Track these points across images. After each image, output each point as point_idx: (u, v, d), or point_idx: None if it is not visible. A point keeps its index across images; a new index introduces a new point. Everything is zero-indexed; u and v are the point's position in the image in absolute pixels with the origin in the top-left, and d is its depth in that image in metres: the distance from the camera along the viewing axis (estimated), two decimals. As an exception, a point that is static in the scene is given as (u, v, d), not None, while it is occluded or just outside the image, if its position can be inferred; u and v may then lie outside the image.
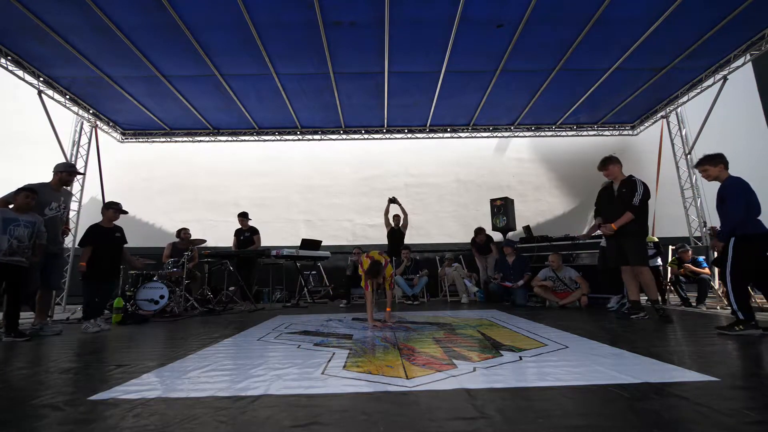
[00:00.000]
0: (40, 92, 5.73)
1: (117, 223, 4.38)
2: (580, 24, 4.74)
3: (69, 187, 4.21)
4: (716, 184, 3.15)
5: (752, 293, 3.95)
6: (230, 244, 6.75)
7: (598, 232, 4.84)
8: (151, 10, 4.31)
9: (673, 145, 7.28)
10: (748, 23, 4.80)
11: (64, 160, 6.46)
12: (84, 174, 6.76)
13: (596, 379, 1.67)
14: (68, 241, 6.55)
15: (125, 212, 4.44)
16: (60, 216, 3.92)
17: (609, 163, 3.95)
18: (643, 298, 4.31)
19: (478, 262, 6.99)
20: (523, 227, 7.25)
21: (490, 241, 6.95)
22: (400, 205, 6.89)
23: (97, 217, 4.38)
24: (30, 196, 3.50)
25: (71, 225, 6.47)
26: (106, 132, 7.40)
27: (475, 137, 8.19)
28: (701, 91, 6.34)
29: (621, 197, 3.81)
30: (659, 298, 3.83)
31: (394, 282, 6.45)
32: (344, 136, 8.02)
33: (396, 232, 6.93)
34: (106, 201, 4.40)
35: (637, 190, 3.71)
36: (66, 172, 4.00)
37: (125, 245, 4.43)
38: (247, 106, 6.81)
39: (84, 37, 4.79)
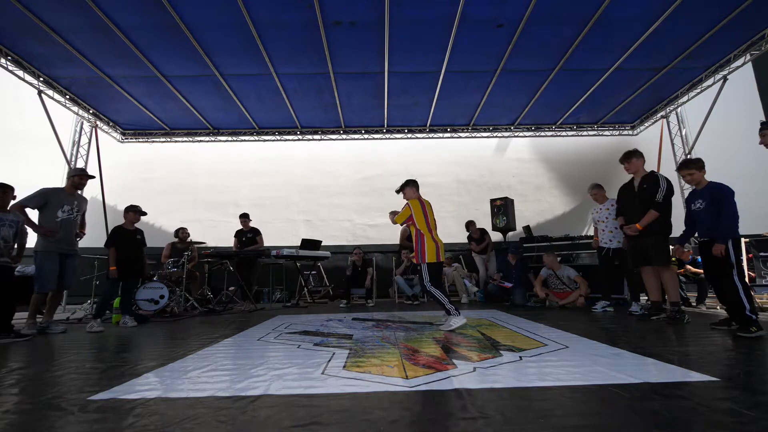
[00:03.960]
0: (40, 92, 5.73)
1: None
2: (580, 24, 4.74)
3: (82, 191, 4.32)
4: None
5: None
6: (230, 244, 6.74)
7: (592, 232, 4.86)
8: (151, 10, 4.31)
9: (673, 145, 7.28)
10: (748, 23, 4.79)
11: (64, 161, 6.49)
12: (95, 177, 6.78)
13: (596, 379, 1.67)
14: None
15: (145, 213, 4.63)
16: (73, 219, 4.02)
17: (633, 156, 3.85)
18: (636, 298, 4.35)
19: (478, 261, 6.97)
20: (523, 227, 7.26)
21: (485, 233, 6.98)
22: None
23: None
24: (8, 192, 3.50)
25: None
26: (106, 132, 7.40)
27: (475, 137, 8.18)
28: (701, 91, 6.33)
29: (642, 194, 3.72)
30: (681, 300, 3.79)
31: (396, 282, 6.50)
32: (344, 136, 8.01)
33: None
34: (127, 205, 4.57)
35: (660, 186, 3.62)
36: (78, 176, 4.15)
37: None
38: (247, 106, 6.80)
39: (84, 37, 4.79)
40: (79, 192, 4.28)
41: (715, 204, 3.06)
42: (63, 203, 3.92)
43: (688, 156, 7.02)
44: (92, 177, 4.37)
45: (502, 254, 6.33)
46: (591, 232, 7.54)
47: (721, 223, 2.99)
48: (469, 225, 7.09)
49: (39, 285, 3.67)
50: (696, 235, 3.34)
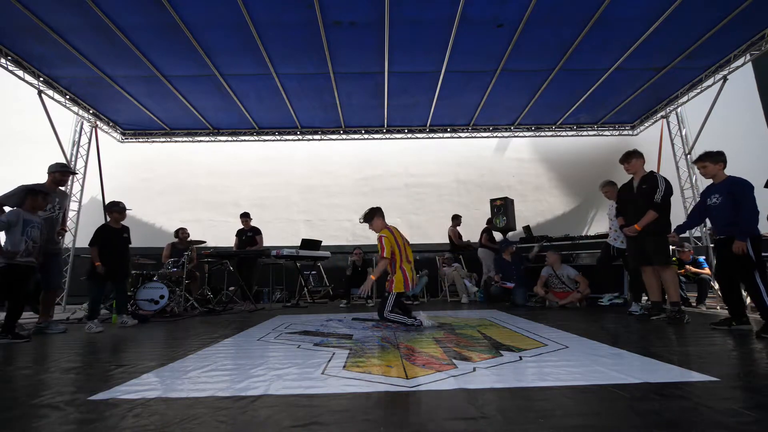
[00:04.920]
0: (40, 92, 5.73)
1: (124, 223, 4.47)
2: (580, 24, 4.74)
3: (65, 188, 4.22)
4: None
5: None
6: (230, 244, 6.75)
7: (600, 231, 4.84)
8: (151, 10, 4.31)
9: (673, 145, 7.28)
10: (748, 23, 4.79)
11: (64, 161, 6.48)
12: (78, 173, 6.77)
13: (596, 379, 1.67)
14: (68, 241, 6.55)
15: (129, 209, 4.50)
16: (55, 216, 3.94)
17: (633, 156, 3.83)
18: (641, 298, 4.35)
19: (487, 257, 6.74)
20: (523, 227, 7.26)
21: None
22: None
23: (97, 217, 4.40)
24: (47, 198, 3.60)
25: (71, 225, 6.48)
26: (106, 132, 7.40)
27: (475, 137, 8.18)
28: (701, 91, 6.33)
29: (642, 194, 3.71)
30: (681, 300, 3.79)
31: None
32: (344, 136, 8.01)
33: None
34: (108, 202, 4.46)
35: (659, 186, 3.60)
36: (59, 172, 4.01)
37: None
38: (247, 106, 6.80)
39: (84, 37, 4.79)
40: (61, 188, 4.12)
41: (733, 199, 2.93)
42: None
43: (688, 156, 7.02)
44: (74, 173, 4.29)
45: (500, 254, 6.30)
46: (592, 232, 7.58)
47: (741, 219, 2.86)
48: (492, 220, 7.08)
49: None
50: (708, 232, 3.28)
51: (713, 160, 3.11)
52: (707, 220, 3.40)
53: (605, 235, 5.01)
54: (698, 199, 3.49)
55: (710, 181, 3.24)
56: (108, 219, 4.39)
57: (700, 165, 3.19)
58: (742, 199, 2.89)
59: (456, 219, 7.26)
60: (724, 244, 3.01)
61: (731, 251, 2.88)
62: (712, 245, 4.09)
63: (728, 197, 2.97)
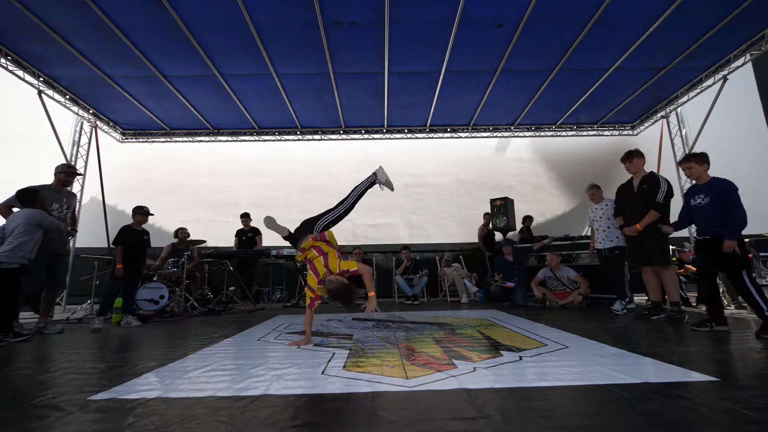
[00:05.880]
0: (40, 92, 5.72)
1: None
2: (580, 24, 4.73)
3: (70, 188, 4.25)
4: None
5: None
6: (230, 244, 6.75)
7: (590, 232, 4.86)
8: (151, 10, 4.30)
9: (673, 145, 7.27)
10: (748, 23, 4.79)
11: (64, 161, 6.48)
12: (83, 174, 6.76)
13: (596, 379, 1.67)
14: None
15: (152, 214, 4.74)
16: (63, 216, 3.96)
17: (634, 156, 3.86)
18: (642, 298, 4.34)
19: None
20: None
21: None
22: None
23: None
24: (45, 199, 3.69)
25: (71, 225, 6.48)
26: (106, 132, 7.39)
27: (475, 137, 8.17)
28: (701, 91, 6.33)
29: (642, 194, 3.72)
30: (681, 300, 3.80)
31: (396, 282, 6.50)
32: (344, 136, 8.01)
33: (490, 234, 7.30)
34: (135, 206, 4.64)
35: (661, 186, 3.62)
36: (64, 173, 4.06)
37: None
38: (247, 106, 6.80)
39: (84, 37, 4.79)
40: (67, 188, 4.17)
41: (720, 200, 3.01)
42: (51, 201, 3.85)
43: (688, 156, 7.01)
44: (80, 174, 4.35)
45: (500, 254, 6.31)
46: (590, 233, 7.57)
47: (731, 219, 2.92)
48: (526, 219, 7.35)
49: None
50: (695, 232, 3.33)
51: (698, 161, 3.20)
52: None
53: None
54: (683, 200, 3.52)
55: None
56: (123, 220, 4.61)
57: (686, 166, 3.28)
58: (731, 201, 2.97)
59: (486, 217, 7.30)
60: (708, 244, 3.08)
61: (718, 251, 2.94)
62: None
63: (715, 199, 3.05)
